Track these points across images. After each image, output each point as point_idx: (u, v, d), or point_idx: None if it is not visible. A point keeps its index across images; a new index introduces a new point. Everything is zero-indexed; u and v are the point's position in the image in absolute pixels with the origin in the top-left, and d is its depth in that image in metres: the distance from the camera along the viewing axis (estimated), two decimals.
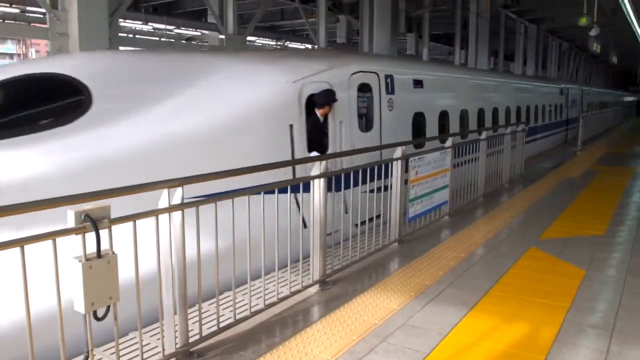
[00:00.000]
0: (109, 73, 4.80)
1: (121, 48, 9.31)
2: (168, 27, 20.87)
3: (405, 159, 5.51)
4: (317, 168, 4.28)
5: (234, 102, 5.06)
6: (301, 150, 5.45)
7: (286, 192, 4.02)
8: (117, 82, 4.72)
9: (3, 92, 4.39)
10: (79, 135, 4.10)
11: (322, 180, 4.28)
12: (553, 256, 5.29)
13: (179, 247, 3.09)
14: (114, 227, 2.60)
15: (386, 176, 5.33)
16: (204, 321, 3.49)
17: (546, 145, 15.92)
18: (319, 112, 5.75)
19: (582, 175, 10.58)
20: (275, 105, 5.31)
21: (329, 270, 4.56)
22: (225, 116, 4.93)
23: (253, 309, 3.74)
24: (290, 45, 27.07)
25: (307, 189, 4.34)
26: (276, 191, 3.86)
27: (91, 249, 2.48)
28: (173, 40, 21.05)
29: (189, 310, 3.30)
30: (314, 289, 4.35)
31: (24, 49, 51.60)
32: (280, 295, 4.03)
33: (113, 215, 2.60)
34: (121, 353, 3.22)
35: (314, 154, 5.54)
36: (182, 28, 21.81)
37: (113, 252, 2.58)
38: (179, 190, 3.05)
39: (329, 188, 4.44)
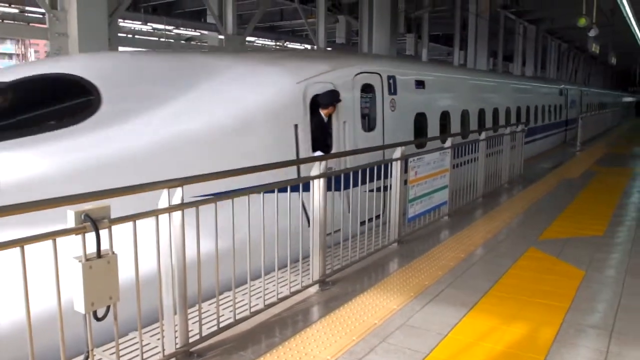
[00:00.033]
0: (118, 74, 4.81)
1: (120, 48, 9.29)
2: (167, 27, 20.88)
3: (404, 159, 5.52)
4: (316, 168, 4.29)
5: (241, 102, 5.11)
6: (306, 150, 5.48)
7: (288, 191, 4.02)
8: (126, 82, 4.74)
9: (13, 93, 4.40)
10: (89, 136, 4.11)
11: (321, 180, 4.28)
12: (552, 257, 5.30)
13: (179, 247, 3.09)
14: (114, 227, 2.60)
15: (386, 176, 5.35)
16: (204, 321, 3.49)
17: (545, 145, 15.95)
18: (323, 113, 5.78)
19: (581, 176, 10.59)
20: (280, 106, 5.36)
21: (329, 271, 4.57)
22: (233, 117, 4.97)
23: (253, 309, 3.74)
24: (289, 46, 27.06)
25: (307, 188, 4.34)
26: (276, 191, 3.86)
27: (91, 249, 2.48)
28: (172, 40, 21.03)
29: (189, 311, 3.30)
30: (314, 289, 4.35)
31: (22, 49, 51.65)
32: (280, 296, 4.03)
33: (114, 215, 2.60)
34: (121, 353, 3.22)
35: (318, 153, 5.56)
36: (182, 28, 21.85)
37: (113, 252, 2.58)
38: (179, 190, 3.06)
39: (328, 187, 4.45)
